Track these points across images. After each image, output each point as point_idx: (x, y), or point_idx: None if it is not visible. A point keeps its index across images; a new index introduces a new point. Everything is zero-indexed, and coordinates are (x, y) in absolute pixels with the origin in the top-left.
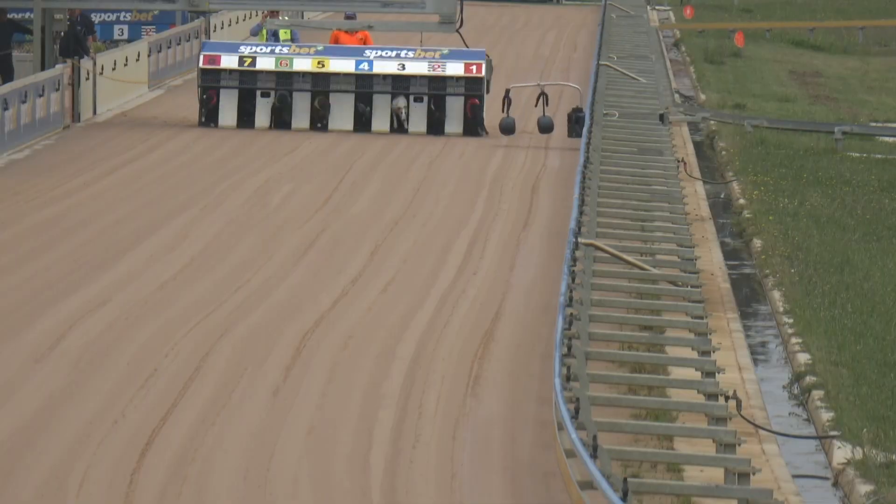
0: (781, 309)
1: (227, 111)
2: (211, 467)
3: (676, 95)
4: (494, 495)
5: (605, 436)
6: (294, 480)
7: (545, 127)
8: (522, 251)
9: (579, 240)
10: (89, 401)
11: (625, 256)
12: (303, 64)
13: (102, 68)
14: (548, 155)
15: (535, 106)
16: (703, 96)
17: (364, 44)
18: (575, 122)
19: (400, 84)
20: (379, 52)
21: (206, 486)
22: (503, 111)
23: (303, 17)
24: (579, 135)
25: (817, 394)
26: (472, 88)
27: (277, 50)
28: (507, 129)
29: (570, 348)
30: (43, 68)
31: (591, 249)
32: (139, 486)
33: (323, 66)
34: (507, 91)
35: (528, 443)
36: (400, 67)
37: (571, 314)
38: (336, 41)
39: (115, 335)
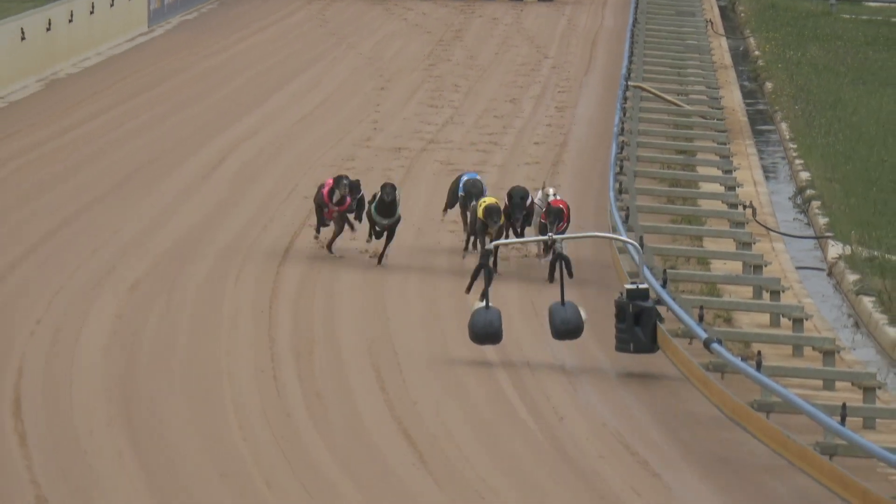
0: (787, 137)
1: None
2: (341, 262)
3: None
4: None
5: (648, 236)
6: (406, 271)
7: (565, 328)
8: (585, 91)
9: (629, 83)
10: (244, 210)
11: (665, 96)
12: None
13: None
14: (604, 16)
15: (551, 280)
16: None
17: None
18: (635, 320)
19: None
20: None
21: (338, 275)
22: (469, 287)
23: None
24: (644, 349)
25: (815, 203)
26: None
27: None
28: (486, 334)
29: (622, 168)
30: None
31: (638, 90)
32: (282, 277)
33: None
34: (485, 253)
35: (589, 241)
36: None
37: (623, 141)
38: None
39: (265, 159)
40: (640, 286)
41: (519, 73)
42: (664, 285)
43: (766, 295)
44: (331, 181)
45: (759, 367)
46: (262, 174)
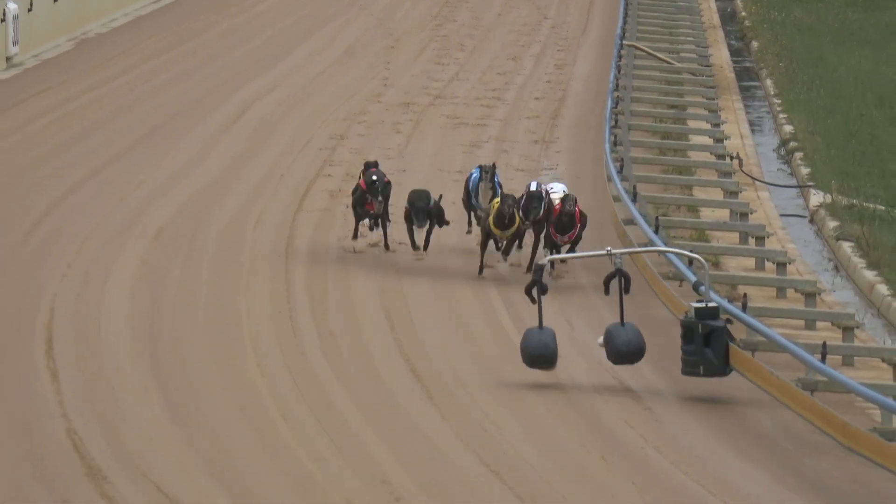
0: (772, 93)
1: None
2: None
3: None
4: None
5: (642, 186)
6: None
7: (626, 350)
8: (582, 50)
9: (623, 42)
10: (263, 160)
11: (657, 54)
12: None
13: None
14: None
15: (606, 293)
16: None
17: None
18: (705, 340)
19: None
20: None
21: (351, 223)
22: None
23: None
24: (715, 372)
25: (798, 155)
26: None
27: None
28: (540, 356)
29: (616, 121)
30: None
31: (632, 49)
32: (299, 222)
33: None
34: (537, 268)
35: (587, 191)
36: None
37: (618, 96)
38: None
39: (282, 113)
40: (709, 304)
41: (520, 32)
42: (656, 231)
43: (751, 240)
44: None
45: (744, 308)
46: (279, 127)
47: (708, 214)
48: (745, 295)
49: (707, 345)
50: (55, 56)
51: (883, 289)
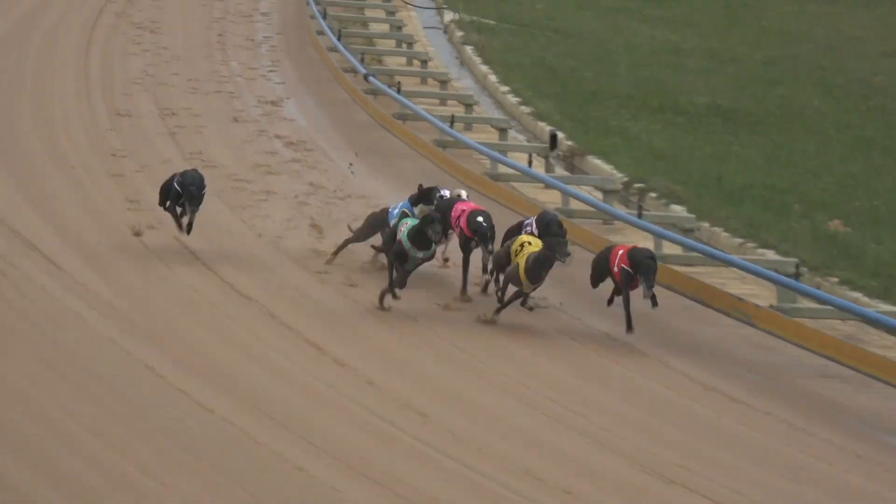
0: None
1: None
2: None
3: None
4: (276, 37)
5: (330, 8)
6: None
7: None
8: None
9: None
10: None
11: None
12: None
13: None
14: None
15: None
16: None
17: None
18: None
19: None
20: None
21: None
22: None
23: None
24: None
25: None
26: None
27: None
28: None
29: None
30: None
31: None
32: (94, 35)
33: None
34: None
35: (292, 12)
36: None
37: None
38: None
39: None
40: None
41: None
42: (339, 38)
43: (404, 45)
44: None
45: (399, 91)
46: None
47: (375, 27)
48: (399, 82)
49: None
50: None
51: (493, 78)
